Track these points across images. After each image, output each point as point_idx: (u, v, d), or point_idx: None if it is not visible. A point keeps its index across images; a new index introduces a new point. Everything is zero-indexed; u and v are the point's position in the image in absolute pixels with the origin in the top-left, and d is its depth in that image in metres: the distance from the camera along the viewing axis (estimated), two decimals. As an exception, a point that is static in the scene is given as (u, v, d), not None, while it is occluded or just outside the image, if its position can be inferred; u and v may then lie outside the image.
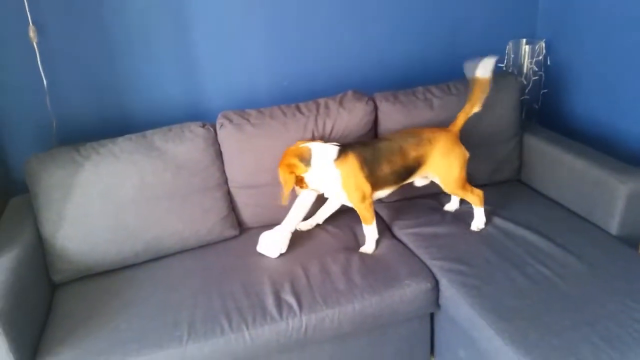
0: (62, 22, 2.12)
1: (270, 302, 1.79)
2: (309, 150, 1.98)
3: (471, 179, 2.29)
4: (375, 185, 2.00)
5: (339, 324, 1.79)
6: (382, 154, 1.98)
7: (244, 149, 2.12)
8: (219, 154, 2.14)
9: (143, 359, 1.62)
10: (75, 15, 2.13)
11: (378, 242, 2.07)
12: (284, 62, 2.48)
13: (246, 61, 2.42)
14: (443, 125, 2.12)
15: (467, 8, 2.64)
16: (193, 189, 2.07)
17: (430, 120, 2.24)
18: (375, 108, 2.26)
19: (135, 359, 1.62)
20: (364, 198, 1.98)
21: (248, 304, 1.78)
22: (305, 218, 2.17)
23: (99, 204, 1.96)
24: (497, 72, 2.46)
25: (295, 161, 1.96)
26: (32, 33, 2.06)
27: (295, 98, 2.33)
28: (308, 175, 1.98)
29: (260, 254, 2.04)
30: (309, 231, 2.18)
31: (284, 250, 2.02)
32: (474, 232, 2.09)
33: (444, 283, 1.88)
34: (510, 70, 2.66)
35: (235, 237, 2.19)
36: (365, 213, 2.01)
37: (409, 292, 1.85)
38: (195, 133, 2.08)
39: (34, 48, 2.09)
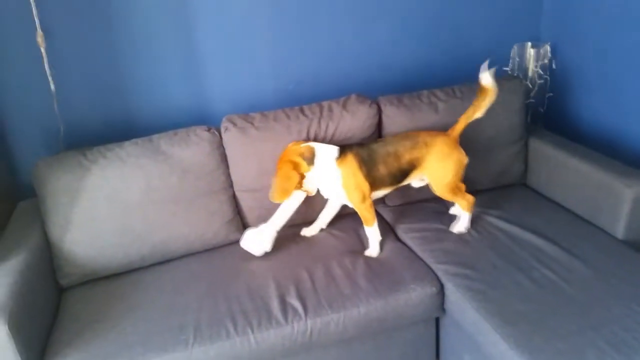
0: (69, 27, 2.14)
1: (275, 305, 1.79)
2: (312, 149, 2.00)
3: (476, 182, 2.30)
4: (373, 185, 2.01)
5: (344, 328, 1.79)
6: (378, 156, 2.00)
7: (249, 152, 2.13)
8: (224, 158, 2.15)
9: (149, 362, 1.63)
10: (83, 21, 2.15)
11: (383, 245, 2.07)
12: (288, 65, 2.49)
13: (251, 65, 2.44)
14: (447, 128, 2.12)
15: (472, 11, 2.64)
16: (199, 193, 2.08)
17: (435, 123, 2.24)
18: (380, 111, 2.26)
19: (142, 362, 1.62)
20: (364, 198, 1.99)
21: (253, 307, 1.79)
22: (310, 222, 2.18)
23: (105, 208, 1.97)
24: (502, 76, 2.47)
25: (300, 160, 1.97)
26: (39, 38, 2.09)
27: (300, 101, 2.34)
28: (310, 174, 1.99)
29: (259, 254, 2.05)
30: (313, 235, 2.18)
31: (268, 249, 2.03)
32: (479, 235, 2.08)
33: (449, 287, 1.87)
34: (515, 74, 2.66)
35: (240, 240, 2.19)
36: (366, 213, 2.02)
37: (414, 296, 1.85)
38: (200, 137, 2.09)
39: (42, 53, 2.11)
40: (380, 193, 2.09)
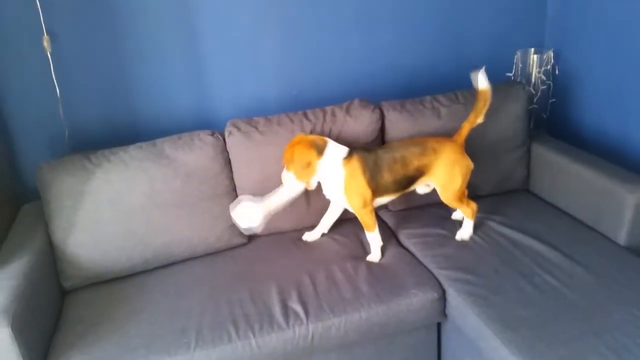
0: (75, 32, 2.16)
1: (277, 310, 1.80)
2: (325, 141, 1.99)
3: (478, 188, 2.30)
4: (376, 192, 2.01)
5: (345, 333, 1.80)
6: (384, 162, 1.98)
7: (252, 157, 2.14)
8: (228, 162, 2.16)
9: (151, 365, 1.63)
10: (89, 26, 2.17)
11: (384, 250, 2.08)
12: (292, 70, 2.50)
13: (255, 70, 2.45)
14: (450, 134, 2.13)
15: (475, 17, 2.65)
16: (202, 197, 2.09)
17: (437, 129, 2.25)
18: (382, 116, 2.27)
19: (143, 365, 1.63)
20: (364, 203, 1.99)
21: (255, 311, 1.80)
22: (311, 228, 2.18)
23: (109, 211, 1.98)
24: (505, 81, 2.48)
25: (313, 145, 1.96)
26: (46, 43, 2.11)
27: (304, 106, 2.35)
28: (320, 163, 1.96)
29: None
30: (315, 240, 2.19)
31: (255, 227, 1.97)
32: (481, 241, 2.08)
33: (450, 293, 1.87)
34: (518, 80, 2.66)
35: (243, 244, 2.20)
36: (366, 219, 2.02)
37: (416, 301, 1.86)
38: (204, 141, 2.10)
39: (48, 57, 2.14)
40: (384, 200, 2.09)
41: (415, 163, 2.00)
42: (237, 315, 1.78)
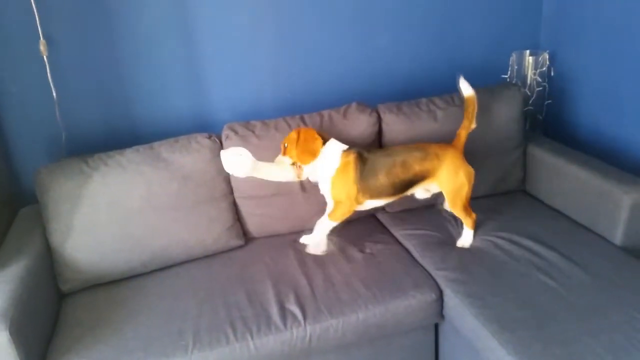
0: (72, 36, 2.17)
1: (274, 311, 1.80)
2: (327, 135, 2.03)
3: (475, 189, 2.30)
4: (368, 194, 1.99)
5: (342, 334, 1.80)
6: (383, 165, 1.98)
7: (250, 160, 2.14)
8: (225, 165, 2.17)
9: (149, 367, 1.64)
10: (85, 30, 2.17)
11: (385, 251, 2.08)
12: (289, 74, 2.51)
13: (252, 74, 2.45)
14: (447, 136, 2.13)
15: (471, 19, 2.67)
16: (199, 199, 2.10)
17: (433, 131, 2.26)
18: (379, 119, 2.28)
19: (141, 367, 1.63)
20: (347, 196, 1.97)
21: (253, 313, 1.80)
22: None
23: (106, 215, 1.99)
24: (501, 83, 2.49)
25: (319, 133, 2.00)
26: (42, 47, 2.11)
27: (301, 109, 2.35)
28: (321, 150, 1.99)
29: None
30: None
31: (241, 175, 1.87)
32: (478, 242, 2.09)
33: (448, 293, 1.88)
34: (513, 81, 2.67)
35: (240, 247, 2.20)
36: (340, 209, 1.99)
37: (414, 302, 1.86)
38: (201, 144, 2.11)
39: (44, 61, 2.13)
40: (378, 202, 2.07)
41: (416, 168, 2.00)
42: (234, 317, 1.79)
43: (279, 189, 2.15)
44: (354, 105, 2.28)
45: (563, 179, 2.25)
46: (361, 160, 1.98)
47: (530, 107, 2.69)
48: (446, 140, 2.11)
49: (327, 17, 2.46)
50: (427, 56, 2.67)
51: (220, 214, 2.14)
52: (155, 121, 2.39)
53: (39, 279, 1.83)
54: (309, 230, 2.17)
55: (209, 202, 2.12)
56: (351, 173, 1.97)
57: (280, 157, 2.03)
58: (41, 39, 2.10)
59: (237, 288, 1.93)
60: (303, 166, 2.00)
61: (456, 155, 2.04)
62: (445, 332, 2.02)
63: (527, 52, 2.66)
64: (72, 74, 2.21)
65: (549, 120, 2.76)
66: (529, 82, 2.67)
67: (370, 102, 2.32)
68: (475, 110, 2.07)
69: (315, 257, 2.07)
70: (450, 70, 2.69)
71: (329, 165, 1.98)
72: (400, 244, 2.18)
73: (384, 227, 2.29)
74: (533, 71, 2.65)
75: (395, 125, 2.27)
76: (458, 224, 2.16)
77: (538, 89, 2.67)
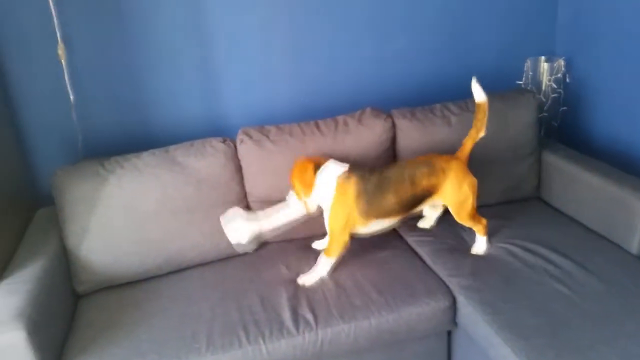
0: (89, 40, 2.20)
1: (287, 316, 1.81)
2: (325, 160, 2.00)
3: (489, 196, 2.30)
4: (373, 215, 1.95)
5: (354, 339, 1.80)
6: (390, 182, 1.94)
7: (263, 165, 2.16)
8: (239, 169, 2.18)
9: (162, 369, 1.65)
10: (102, 34, 2.20)
11: (395, 256, 2.08)
12: (302, 79, 2.52)
13: (266, 78, 2.47)
14: (461, 142, 2.11)
15: (486, 25, 2.66)
16: (213, 203, 2.11)
17: (447, 137, 2.25)
18: (394, 125, 2.28)
19: (155, 369, 1.65)
20: (343, 227, 1.93)
21: (265, 317, 1.81)
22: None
23: (122, 217, 2.01)
24: (515, 89, 2.48)
25: (312, 165, 1.96)
26: (60, 50, 2.14)
27: (314, 114, 2.36)
28: (315, 181, 1.96)
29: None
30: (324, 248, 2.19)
31: (243, 243, 1.90)
32: (492, 249, 2.08)
33: (461, 300, 1.87)
34: (528, 88, 2.66)
35: (255, 250, 2.21)
36: (335, 244, 1.95)
37: (427, 309, 1.86)
38: (216, 148, 2.12)
39: (62, 65, 2.17)
40: (384, 223, 2.02)
41: (424, 183, 1.97)
42: (247, 320, 1.79)
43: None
44: (368, 110, 2.28)
45: (578, 186, 2.23)
46: (363, 181, 1.92)
47: (545, 114, 2.68)
48: (460, 146, 2.10)
49: (341, 23, 2.47)
50: (441, 61, 2.67)
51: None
52: (171, 125, 2.41)
53: (55, 279, 1.85)
54: (322, 236, 2.18)
55: (223, 206, 2.13)
56: (350, 197, 1.92)
57: (290, 194, 2.04)
58: (59, 42, 2.13)
59: (250, 292, 1.93)
60: (306, 199, 1.98)
61: (459, 167, 2.02)
62: (458, 340, 2.01)
63: (543, 58, 2.65)
64: (88, 77, 2.24)
65: (564, 127, 2.74)
66: (544, 88, 2.66)
67: (383, 107, 2.32)
68: (486, 118, 2.02)
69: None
70: (465, 76, 2.67)
71: (326, 193, 1.94)
72: (412, 250, 2.18)
73: (396, 233, 2.29)
74: (548, 77, 2.64)
75: (409, 131, 2.27)
76: (471, 230, 2.15)
77: (553, 95, 2.66)
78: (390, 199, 1.94)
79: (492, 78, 2.70)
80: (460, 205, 2.03)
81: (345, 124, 2.23)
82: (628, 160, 2.40)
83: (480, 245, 2.09)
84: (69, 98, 2.22)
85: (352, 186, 1.92)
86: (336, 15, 2.45)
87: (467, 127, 2.16)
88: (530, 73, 2.67)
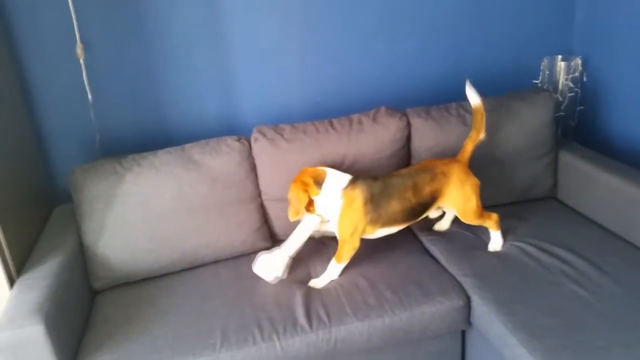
0: (107, 40, 2.22)
1: (300, 313, 1.81)
2: (324, 173, 1.97)
3: (505, 195, 2.28)
4: (381, 222, 1.96)
5: (368, 338, 1.80)
6: (394, 189, 1.94)
7: (278, 164, 2.16)
8: (253, 167, 2.19)
9: (177, 365, 1.67)
10: (120, 35, 2.23)
11: (411, 257, 2.08)
12: (317, 77, 2.52)
13: (280, 77, 2.48)
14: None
15: (501, 24, 2.64)
16: (228, 201, 2.13)
17: (463, 136, 2.23)
18: (409, 124, 2.27)
19: (170, 365, 1.66)
20: (352, 234, 1.94)
21: (279, 314, 1.82)
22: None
23: (138, 214, 2.03)
24: (532, 89, 2.46)
25: (311, 181, 1.95)
26: (79, 50, 2.17)
27: (328, 113, 2.37)
28: (318, 199, 1.96)
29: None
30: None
31: (280, 275, 1.94)
32: (507, 248, 2.07)
33: (475, 300, 1.86)
34: (545, 87, 2.64)
35: (267, 248, 2.22)
36: (345, 251, 1.96)
37: (441, 309, 1.85)
38: (231, 147, 2.14)
39: (81, 65, 2.20)
40: (390, 230, 2.02)
41: (426, 189, 1.98)
42: (261, 318, 1.80)
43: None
44: (383, 109, 2.28)
45: (595, 186, 2.21)
46: (369, 190, 1.93)
47: (562, 113, 2.65)
48: (476, 145, 2.09)
49: (355, 22, 2.47)
50: (456, 60, 2.65)
51: (249, 216, 2.17)
52: (186, 123, 2.43)
53: (73, 275, 1.88)
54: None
55: (237, 204, 2.14)
56: (359, 206, 1.92)
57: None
58: (78, 42, 2.16)
59: (264, 289, 1.95)
60: (318, 209, 1.98)
61: (461, 169, 2.02)
62: (472, 339, 2.00)
63: (559, 57, 2.63)
64: (106, 77, 2.27)
65: (581, 127, 2.71)
66: (560, 87, 2.63)
67: (397, 106, 2.32)
68: (484, 120, 2.04)
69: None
70: (480, 75, 2.69)
71: (333, 204, 1.94)
72: (426, 249, 2.18)
73: (410, 232, 2.28)
74: (565, 77, 2.62)
75: (424, 129, 2.26)
76: (483, 229, 2.13)
77: (570, 94, 2.63)
78: (396, 207, 1.95)
79: (508, 77, 2.69)
80: (465, 207, 2.03)
81: (360, 122, 2.23)
82: (646, 160, 2.37)
83: (496, 242, 2.08)
84: (87, 97, 2.25)
85: (358, 194, 1.92)
86: (350, 14, 2.45)
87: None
88: (547, 72, 2.65)
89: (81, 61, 2.19)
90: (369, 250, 2.11)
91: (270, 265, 1.94)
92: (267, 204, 2.23)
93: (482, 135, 2.07)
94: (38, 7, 2.10)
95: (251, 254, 2.17)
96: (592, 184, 2.23)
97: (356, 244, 1.97)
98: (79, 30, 2.15)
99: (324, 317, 1.80)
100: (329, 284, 1.96)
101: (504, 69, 2.67)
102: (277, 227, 2.26)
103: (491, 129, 2.23)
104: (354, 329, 1.78)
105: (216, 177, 2.10)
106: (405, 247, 2.15)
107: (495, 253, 2.06)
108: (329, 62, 2.51)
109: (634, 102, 2.43)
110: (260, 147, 2.16)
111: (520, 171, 2.36)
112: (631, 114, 2.45)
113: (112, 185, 2.01)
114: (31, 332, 1.54)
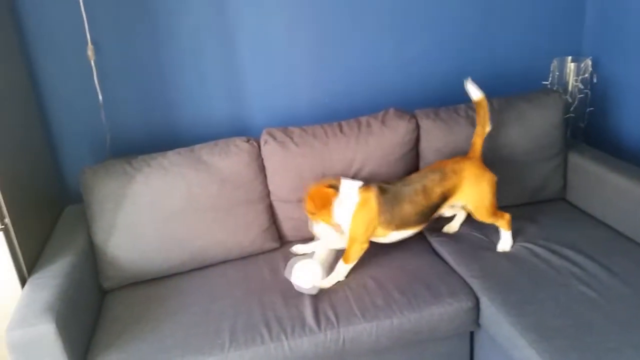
0: (118, 42, 2.24)
1: (309, 313, 1.82)
2: (338, 179, 2.01)
3: (514, 197, 2.27)
4: (393, 225, 1.97)
5: (376, 338, 1.80)
6: (405, 194, 1.96)
7: (287, 166, 2.17)
8: (262, 168, 2.20)
9: (186, 364, 1.68)
10: (130, 36, 2.25)
11: (419, 258, 2.08)
12: (325, 79, 2.53)
13: (289, 79, 2.49)
14: (487, 141, 2.10)
15: (510, 25, 2.63)
16: (237, 202, 2.13)
17: (472, 137, 2.23)
18: (418, 126, 2.27)
19: (179, 364, 1.67)
20: (364, 232, 1.94)
21: (287, 314, 1.82)
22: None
23: (148, 214, 2.04)
24: (541, 90, 2.45)
25: (327, 187, 1.97)
26: (90, 52, 2.19)
27: (337, 114, 2.37)
28: (335, 201, 1.96)
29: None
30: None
31: (318, 285, 1.92)
32: (516, 249, 2.06)
33: (484, 301, 1.86)
34: (554, 88, 2.63)
35: (275, 249, 2.23)
36: (354, 251, 1.96)
37: (449, 310, 1.85)
38: (240, 148, 2.14)
39: (91, 66, 2.22)
40: (403, 233, 2.03)
41: (437, 190, 1.98)
42: (269, 317, 1.81)
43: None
44: (391, 111, 2.28)
45: (605, 187, 2.20)
46: (382, 192, 1.96)
47: (572, 115, 2.64)
48: (479, 146, 2.09)
49: (363, 23, 2.47)
50: (465, 61, 2.65)
51: (257, 217, 2.18)
52: (196, 124, 2.45)
53: (83, 275, 1.90)
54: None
55: (246, 205, 2.15)
56: (373, 206, 1.94)
57: (314, 226, 2.03)
58: (89, 44, 2.18)
59: (272, 289, 1.95)
60: (335, 222, 1.99)
61: (474, 165, 2.02)
62: (480, 341, 2.00)
63: (569, 58, 2.61)
64: (117, 78, 2.29)
65: (591, 128, 2.70)
66: (570, 88, 2.62)
67: (406, 107, 2.32)
68: (487, 114, 2.04)
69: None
70: (489, 76, 2.68)
71: (349, 203, 1.95)
72: (435, 250, 2.17)
73: (419, 233, 2.27)
74: (575, 78, 2.60)
75: (433, 131, 2.25)
76: (494, 229, 2.13)
77: (580, 96, 2.62)
78: (408, 210, 1.97)
79: (517, 78, 2.68)
80: (480, 203, 2.03)
81: (369, 125, 2.23)
82: (657, 162, 2.35)
83: (505, 242, 2.08)
84: (98, 98, 2.27)
85: (373, 195, 1.95)
86: (358, 15, 2.46)
87: (492, 126, 2.15)
88: (557, 73, 2.64)
89: (92, 62, 2.21)
90: (377, 251, 2.11)
91: (310, 273, 1.90)
92: (275, 204, 2.24)
93: (488, 129, 2.06)
94: (49, 9, 2.13)
95: (259, 255, 2.19)
96: (601, 186, 2.22)
97: (365, 244, 1.97)
98: (90, 31, 2.17)
99: (332, 318, 1.80)
100: (336, 285, 1.96)
101: (513, 69, 2.66)
102: (286, 228, 2.27)
103: (500, 130, 2.23)
104: (362, 330, 1.79)
105: (225, 177, 2.10)
106: (414, 248, 2.15)
107: (504, 254, 2.05)
108: (337, 64, 2.52)
109: (644, 103, 2.42)
110: (270, 150, 2.16)
111: (530, 172, 2.35)
112: (641, 115, 2.44)
113: (122, 186, 2.02)
114: (42, 330, 1.56)
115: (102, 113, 2.29)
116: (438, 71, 2.63)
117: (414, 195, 1.97)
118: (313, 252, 2.06)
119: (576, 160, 2.38)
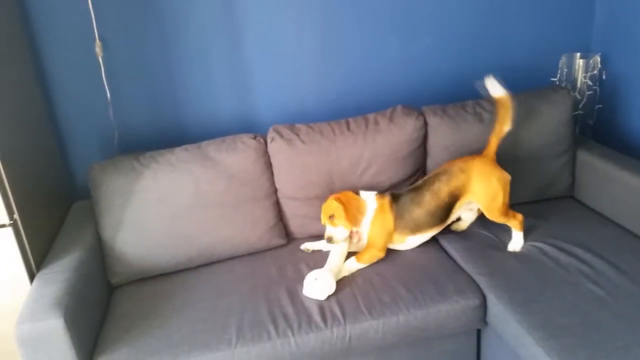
0: (126, 39, 2.25)
1: (315, 310, 1.82)
2: (356, 189, 2.10)
3: (522, 194, 2.26)
4: (407, 229, 2.04)
5: (383, 335, 1.80)
6: (412, 198, 2.03)
7: (293, 163, 2.17)
8: (269, 165, 2.20)
9: (193, 360, 1.69)
10: (139, 33, 2.25)
11: (426, 255, 2.08)
12: (332, 76, 2.52)
13: (296, 76, 2.49)
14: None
15: (519, 21, 2.62)
16: (244, 198, 2.14)
17: (480, 134, 2.22)
18: (425, 123, 2.26)
19: (186, 359, 1.68)
20: (382, 238, 2.03)
21: (294, 311, 1.82)
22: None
23: (156, 210, 2.05)
24: (550, 86, 2.44)
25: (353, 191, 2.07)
26: (98, 48, 2.20)
27: (344, 111, 2.37)
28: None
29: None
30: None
31: (332, 292, 1.90)
32: (524, 247, 2.05)
33: (491, 299, 1.85)
34: (563, 85, 2.61)
35: (282, 246, 2.24)
36: (369, 254, 2.03)
37: (456, 307, 1.85)
38: (247, 144, 2.15)
39: (99, 62, 2.23)
40: (420, 237, 2.08)
41: (445, 190, 2.00)
42: (276, 314, 1.81)
43: (322, 193, 2.17)
44: (399, 108, 2.27)
45: (613, 185, 2.18)
46: (394, 198, 2.04)
47: (580, 112, 2.62)
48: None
49: (370, 20, 2.47)
50: (472, 58, 2.63)
51: (264, 213, 2.18)
52: (202, 121, 2.45)
53: (91, 270, 1.91)
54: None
55: (253, 201, 2.16)
56: (388, 211, 2.03)
57: (330, 230, 2.04)
58: (97, 41, 2.19)
59: (279, 286, 1.96)
60: (355, 228, 2.05)
61: (485, 162, 2.02)
62: (487, 338, 1.99)
63: (578, 54, 2.60)
64: (125, 75, 2.30)
65: (600, 125, 2.68)
66: (579, 85, 2.60)
67: (413, 104, 2.31)
68: (509, 113, 2.03)
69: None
70: (497, 73, 2.64)
71: (368, 210, 2.04)
72: (442, 248, 2.17)
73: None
74: (583, 74, 2.59)
75: (440, 128, 2.25)
76: (502, 228, 2.12)
77: (588, 92, 2.60)
78: (418, 212, 2.02)
79: (525, 75, 2.67)
80: (491, 202, 2.02)
81: (376, 122, 2.22)
82: (666, 159, 2.33)
83: (517, 242, 2.07)
84: (106, 95, 2.28)
85: (387, 202, 2.03)
86: (365, 13, 2.45)
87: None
88: (565, 70, 2.62)
89: (100, 59, 2.22)
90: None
91: (320, 287, 1.88)
92: (282, 201, 2.24)
93: (507, 128, 2.05)
94: (57, 6, 2.13)
95: (266, 251, 2.20)
96: (610, 183, 2.21)
97: (381, 252, 2.04)
98: (98, 29, 2.18)
99: (339, 315, 1.80)
100: (343, 281, 1.95)
101: (522, 66, 2.65)
102: (292, 224, 2.27)
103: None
104: (368, 327, 1.79)
105: (232, 174, 2.11)
106: (421, 245, 2.14)
107: (512, 252, 2.05)
108: (344, 61, 2.51)
109: (654, 101, 2.39)
110: (277, 147, 2.16)
111: (538, 170, 2.34)
112: (651, 113, 2.42)
113: (130, 182, 2.03)
114: (51, 325, 1.57)
115: (110, 110, 2.30)
116: (445, 67, 2.62)
117: (422, 197, 2.01)
118: (327, 255, 2.07)
119: (585, 157, 2.36)
